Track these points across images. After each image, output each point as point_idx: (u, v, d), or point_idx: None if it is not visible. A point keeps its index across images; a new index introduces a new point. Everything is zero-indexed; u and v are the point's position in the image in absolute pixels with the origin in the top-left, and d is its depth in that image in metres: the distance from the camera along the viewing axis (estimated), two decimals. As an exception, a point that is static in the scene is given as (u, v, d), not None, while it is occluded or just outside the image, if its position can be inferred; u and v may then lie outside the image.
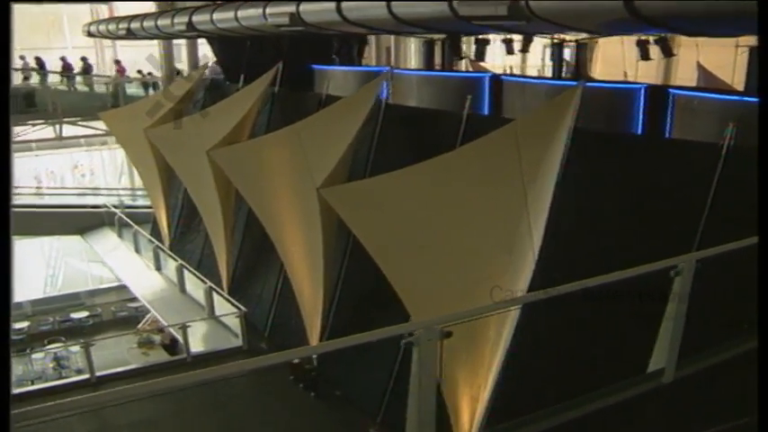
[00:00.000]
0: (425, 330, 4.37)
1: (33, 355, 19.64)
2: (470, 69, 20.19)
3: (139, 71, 26.66)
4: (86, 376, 14.34)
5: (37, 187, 28.64)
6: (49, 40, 30.24)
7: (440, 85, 15.27)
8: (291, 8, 11.47)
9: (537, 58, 25.04)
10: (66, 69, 26.19)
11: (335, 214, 12.10)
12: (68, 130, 25.45)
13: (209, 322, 16.67)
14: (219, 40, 20.88)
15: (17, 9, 26.80)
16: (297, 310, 14.45)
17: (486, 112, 14.05)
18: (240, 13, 13.43)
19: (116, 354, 19.27)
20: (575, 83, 10.03)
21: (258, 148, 14.79)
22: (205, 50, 23.08)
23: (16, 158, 28.94)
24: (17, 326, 23.09)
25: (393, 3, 9.30)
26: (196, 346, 15.66)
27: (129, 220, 22.50)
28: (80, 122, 24.49)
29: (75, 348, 19.75)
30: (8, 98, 3.79)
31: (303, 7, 11.29)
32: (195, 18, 15.16)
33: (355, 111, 13.39)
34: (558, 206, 8.90)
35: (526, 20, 7.65)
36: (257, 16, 12.78)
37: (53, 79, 26.18)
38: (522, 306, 8.95)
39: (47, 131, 25.48)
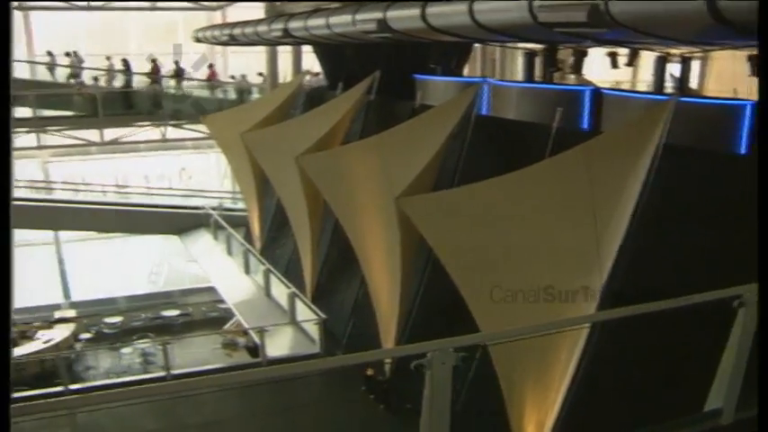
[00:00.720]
0: (439, 352, 4.11)
1: (122, 350, 20.24)
2: (575, 83, 19.70)
3: (261, 74, 27.36)
4: (163, 374, 14.58)
5: (141, 187, 29.50)
6: (167, 45, 31.16)
7: (539, 97, 14.86)
8: (379, 15, 11.40)
9: (648, 74, 24.22)
10: (178, 74, 26.98)
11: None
12: (178, 133, 26.37)
13: (290, 328, 16.73)
14: (322, 48, 21.13)
15: (136, 15, 28.03)
16: (374, 320, 14.32)
17: (585, 126, 13.58)
18: (331, 20, 13.48)
19: (200, 353, 19.69)
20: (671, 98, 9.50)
21: (343, 155, 14.78)
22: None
23: (126, 159, 30.20)
24: (110, 320, 23.93)
25: (475, 10, 9.06)
26: (274, 350, 15.72)
27: (224, 223, 22.91)
28: (186, 125, 25.22)
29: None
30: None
31: (390, 14, 11.19)
32: (290, 25, 15.33)
33: (443, 121, 13.21)
34: (638, 224, 8.45)
35: (606, 26, 7.26)
36: (347, 23, 12.78)
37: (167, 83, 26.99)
38: (590, 329, 8.58)
39: (156, 134, 26.49)
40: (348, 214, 14.78)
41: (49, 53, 26.48)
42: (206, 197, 27.58)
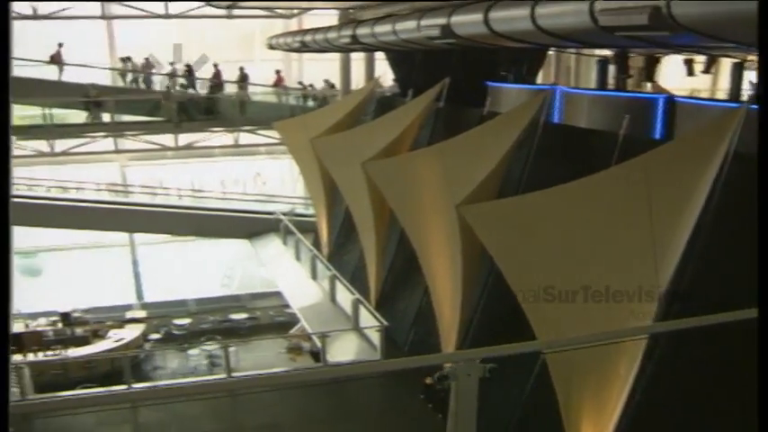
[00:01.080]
0: (465, 363, 4.01)
1: (190, 351, 20.67)
2: (651, 91, 19.30)
3: (326, 80, 27.65)
4: (223, 376, 14.79)
5: (214, 191, 30.06)
6: (243, 53, 31.69)
7: (610, 105, 14.59)
8: (443, 20, 11.37)
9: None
10: (243, 80, 27.44)
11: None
12: (251, 139, 26.84)
13: (353, 334, 16.77)
14: (394, 55, 21.22)
15: (215, 24, 28.60)
16: (436, 329, 14.25)
17: (657, 134, 13.27)
18: (397, 26, 13.51)
19: (265, 357, 19.97)
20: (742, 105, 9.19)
21: (408, 162, 14.78)
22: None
23: (202, 164, 30.87)
24: (179, 322, 24.49)
25: (537, 15, 8.95)
26: (336, 356, 15.79)
27: (293, 228, 23.16)
28: (258, 131, 25.64)
29: (231, 348, 20.62)
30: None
31: (454, 19, 11.15)
32: (358, 31, 15.44)
33: (508, 129, 13.11)
34: (703, 233, 8.20)
35: (669, 29, 7.06)
36: (412, 29, 12.79)
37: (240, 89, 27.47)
38: (649, 343, 8.35)
39: (231, 140, 27.03)
40: (412, 221, 14.77)
41: (127, 59, 27.17)
42: (278, 202, 27.89)
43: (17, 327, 22.22)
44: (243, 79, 27.24)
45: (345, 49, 19.16)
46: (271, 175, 32.42)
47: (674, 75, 18.33)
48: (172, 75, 26.67)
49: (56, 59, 25.61)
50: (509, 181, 13.59)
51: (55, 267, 30.50)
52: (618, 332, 7.69)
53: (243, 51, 31.49)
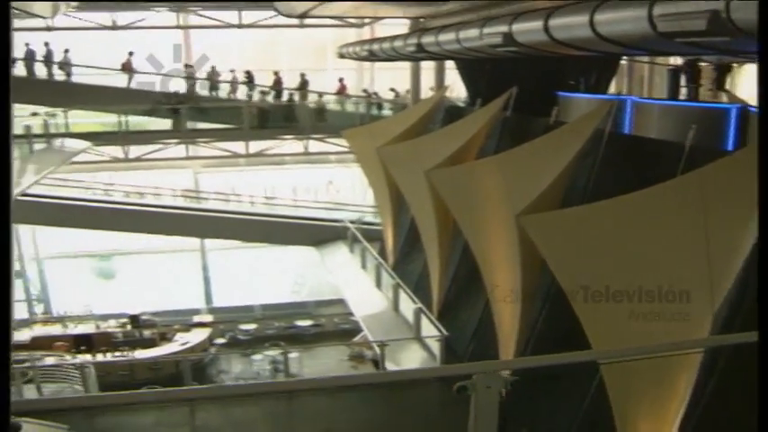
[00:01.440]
0: (485, 375, 3.92)
1: (253, 357, 20.97)
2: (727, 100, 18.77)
3: (392, 89, 27.77)
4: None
5: (284, 198, 30.45)
6: (316, 62, 32.03)
7: (680, 115, 14.28)
8: (505, 28, 11.31)
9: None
10: (304, 87, 27.75)
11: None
12: (323, 147, 27.12)
13: (414, 343, 16.75)
14: (463, 63, 21.18)
15: (288, 33, 29.03)
16: (496, 341, 14.12)
17: (730, 146, 12.90)
18: (461, 34, 13.49)
19: (327, 364, 20.11)
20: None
21: (471, 171, 14.71)
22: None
23: (275, 171, 31.32)
24: (245, 327, 24.87)
25: (596, 21, 8.83)
26: (396, 365, 15.79)
27: (359, 236, 23.29)
28: (327, 139, 25.89)
29: (294, 354, 20.90)
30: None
31: (515, 27, 11.08)
32: (424, 40, 15.48)
33: (572, 139, 12.96)
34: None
35: (729, 34, 6.87)
36: (475, 37, 12.76)
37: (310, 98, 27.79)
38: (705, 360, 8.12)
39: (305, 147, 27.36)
40: (474, 231, 14.70)
41: (190, 66, 27.78)
42: (348, 211, 28.10)
43: (88, 328, 22.92)
44: (303, 86, 27.50)
45: (412, 58, 19.22)
46: (343, 184, 32.68)
47: (752, 84, 17.72)
48: (232, 82, 27.15)
49: (126, 67, 26.39)
50: (573, 192, 13.42)
51: (128, 271, 31.39)
52: (664, 345, 7.49)
53: (316, 60, 31.78)
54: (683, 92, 16.38)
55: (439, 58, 18.90)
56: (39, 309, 28.11)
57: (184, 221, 27.01)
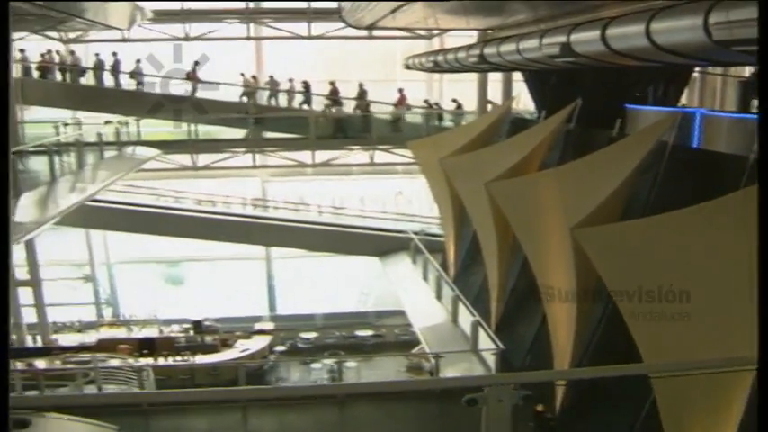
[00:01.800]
0: (496, 388, 3.83)
1: (312, 365, 21.16)
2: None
3: (454, 100, 27.79)
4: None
5: (349, 209, 30.65)
6: (386, 73, 32.13)
7: (750, 128, 13.94)
8: (563, 38, 11.22)
9: None
10: (362, 97, 27.99)
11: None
12: (390, 158, 27.26)
13: (470, 356, 16.66)
14: (529, 75, 21.06)
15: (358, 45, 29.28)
16: (551, 357, 13.95)
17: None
18: (521, 45, 13.42)
19: (385, 375, 20.14)
20: None
21: (530, 184, 14.61)
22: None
23: (344, 181, 31.60)
24: (306, 336, 25.08)
25: (652, 30, 8.69)
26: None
27: (422, 247, 23.30)
28: (393, 150, 26.02)
29: (352, 364, 21.04)
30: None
31: (573, 37, 10.98)
32: (486, 51, 15.45)
33: (633, 152, 12.77)
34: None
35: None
36: (535, 48, 12.68)
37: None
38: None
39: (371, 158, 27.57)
40: (532, 244, 14.59)
41: (253, 78, 28.28)
42: (413, 222, 28.14)
43: (152, 332, 23.47)
44: (361, 96, 27.68)
45: (475, 69, 19.20)
46: (410, 195, 32.70)
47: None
48: (289, 91, 27.53)
49: (191, 77, 27.05)
50: (633, 206, 13.20)
51: (196, 277, 32.09)
52: (712, 361, 7.31)
53: (386, 72, 31.90)
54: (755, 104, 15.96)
55: (502, 69, 18.80)
56: (107, 312, 28.82)
57: (251, 230, 27.49)
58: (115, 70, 26.54)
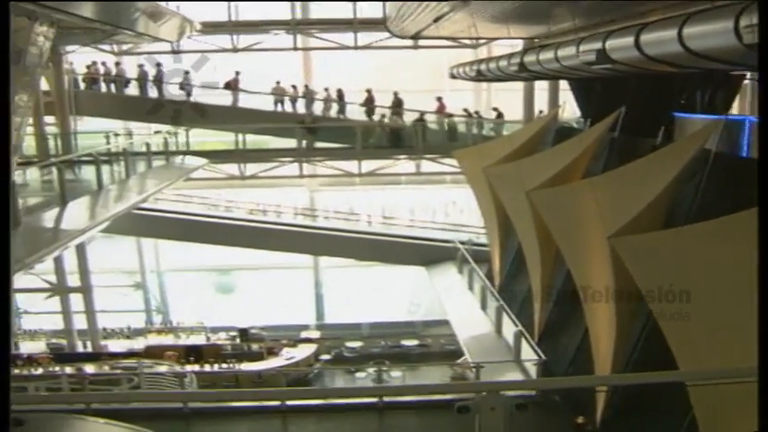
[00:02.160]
0: (489, 395, 3.79)
1: (357, 374, 21.23)
2: None
3: (495, 109, 27.73)
4: (374, 400, 14.94)
5: (398, 219, 30.72)
6: (435, 83, 32.09)
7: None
8: (599, 45, 11.12)
9: None
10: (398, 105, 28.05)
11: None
12: (437, 167, 27.23)
13: (511, 366, 16.55)
14: (575, 83, 20.90)
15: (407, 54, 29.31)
16: (593, 369, 13.78)
17: None
18: (559, 53, 13.33)
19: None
20: None
21: (570, 192, 14.46)
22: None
23: (394, 191, 31.70)
24: (351, 345, 25.14)
25: (685, 36, 8.57)
26: (490, 387, 15.61)
27: (468, 257, 23.26)
28: (440, 159, 26.02)
29: (397, 373, 21.06)
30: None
31: (609, 43, 10.87)
32: (526, 59, 15.38)
33: (673, 160, 12.59)
34: None
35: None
36: (572, 55, 12.57)
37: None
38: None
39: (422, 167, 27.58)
40: (573, 253, 14.47)
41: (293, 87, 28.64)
42: (462, 231, 28.06)
43: (199, 339, 23.82)
44: (398, 105, 27.73)
45: (517, 78, 19.10)
46: (461, 204, 32.65)
47: None
48: (327, 100, 27.76)
49: (232, 86, 27.48)
50: (676, 215, 13.01)
51: (245, 285, 32.51)
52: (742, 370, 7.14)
53: (435, 81, 31.87)
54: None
55: (543, 77, 18.69)
56: (158, 320, 29.31)
57: (299, 239, 27.74)
58: (159, 81, 27.14)
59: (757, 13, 7.11)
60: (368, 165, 27.13)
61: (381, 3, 24.51)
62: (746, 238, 9.07)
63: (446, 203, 31.69)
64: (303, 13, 29.30)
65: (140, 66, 27.77)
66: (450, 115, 27.58)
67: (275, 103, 27.96)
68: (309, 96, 27.94)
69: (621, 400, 13.00)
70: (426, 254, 26.40)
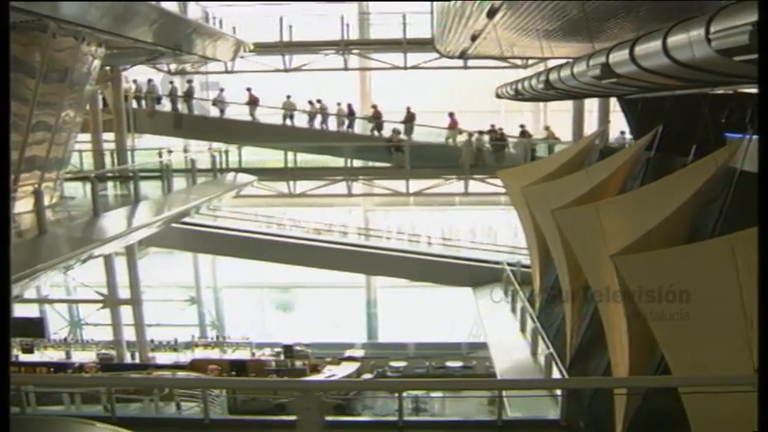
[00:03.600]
0: (302, 395, 3.67)
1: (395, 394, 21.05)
2: None
3: (547, 128, 27.39)
4: (395, 419, 14.78)
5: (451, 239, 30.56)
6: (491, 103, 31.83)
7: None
8: (603, 59, 10.79)
9: None
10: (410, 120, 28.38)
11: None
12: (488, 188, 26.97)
13: (540, 390, 16.18)
14: (625, 102, 20.45)
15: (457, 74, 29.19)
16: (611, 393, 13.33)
17: None
18: (575, 69, 12.99)
19: (467, 407, 19.90)
20: None
21: (591, 211, 14.07)
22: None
23: (458, 211, 31.54)
24: (395, 364, 24.98)
25: (669, 48, 8.22)
26: (514, 411, 15.31)
27: (513, 278, 22.96)
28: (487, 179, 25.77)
29: (438, 394, 20.88)
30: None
31: (611, 57, 10.54)
32: (551, 76, 15.06)
33: (694, 179, 12.20)
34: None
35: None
36: (584, 71, 12.24)
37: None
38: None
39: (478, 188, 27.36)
40: (594, 274, 14.07)
41: (317, 101, 29.05)
42: (513, 253, 27.67)
43: (245, 354, 24.04)
44: (410, 120, 27.90)
45: (547, 96, 18.75)
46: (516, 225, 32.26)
47: None
48: (372, 118, 28.03)
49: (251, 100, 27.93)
50: (700, 234, 12.54)
51: (304, 303, 32.85)
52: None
53: (491, 102, 31.57)
54: None
55: (568, 95, 18.18)
56: (212, 335, 29.79)
57: (351, 258, 27.84)
58: (189, 97, 27.98)
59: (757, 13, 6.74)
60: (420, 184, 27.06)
61: (429, 23, 24.40)
62: (734, 258, 8.80)
63: (501, 224, 31.21)
64: (361, 32, 29.68)
65: (171, 82, 28.70)
66: (462, 131, 27.64)
67: (284, 118, 28.52)
68: (323, 112, 28.37)
69: (643, 419, 12.55)
70: (475, 275, 26.16)
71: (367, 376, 24.18)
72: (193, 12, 26.01)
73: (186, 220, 26.84)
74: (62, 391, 18.08)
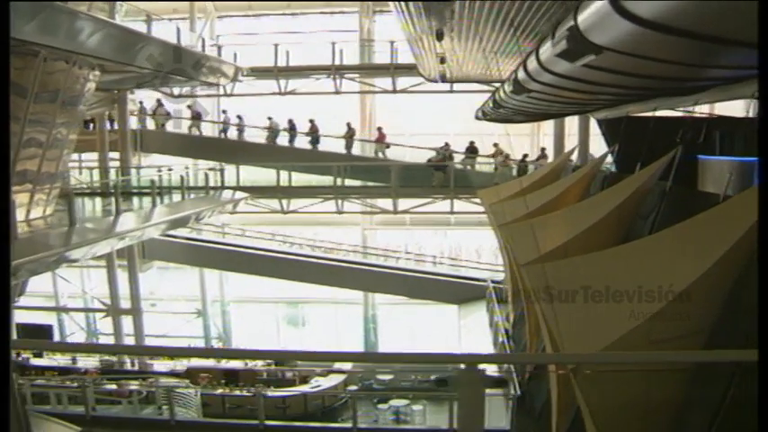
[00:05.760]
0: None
1: (379, 405, 20.95)
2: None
3: (495, 145, 27.63)
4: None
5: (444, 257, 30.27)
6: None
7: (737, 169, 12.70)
8: (522, 75, 10.53)
9: None
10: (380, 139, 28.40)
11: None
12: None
13: (494, 400, 16.00)
14: (605, 123, 20.10)
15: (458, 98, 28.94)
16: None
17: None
18: (505, 87, 12.77)
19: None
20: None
21: (527, 227, 13.75)
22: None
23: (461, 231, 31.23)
24: (382, 377, 24.47)
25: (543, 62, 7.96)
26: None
27: (493, 295, 22.64)
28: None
29: (418, 407, 20.67)
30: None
31: (521, 75, 10.30)
32: (495, 96, 14.84)
33: (623, 194, 11.93)
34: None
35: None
36: (510, 91, 12.03)
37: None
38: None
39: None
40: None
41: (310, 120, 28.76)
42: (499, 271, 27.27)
43: (239, 364, 23.96)
44: (350, 135, 28.36)
45: (505, 117, 18.44)
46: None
47: None
48: (309, 134, 28.19)
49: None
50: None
51: (308, 318, 32.77)
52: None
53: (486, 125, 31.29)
54: None
55: (520, 113, 17.81)
56: (218, 345, 29.86)
57: (347, 275, 27.72)
58: (198, 119, 28.19)
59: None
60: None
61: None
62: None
63: (489, 243, 30.91)
64: (362, 58, 29.88)
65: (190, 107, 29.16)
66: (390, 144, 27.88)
67: (267, 139, 28.74)
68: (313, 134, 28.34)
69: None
70: (461, 292, 25.84)
71: (352, 388, 23.89)
72: (188, 37, 26.11)
73: (193, 235, 27.01)
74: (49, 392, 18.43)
